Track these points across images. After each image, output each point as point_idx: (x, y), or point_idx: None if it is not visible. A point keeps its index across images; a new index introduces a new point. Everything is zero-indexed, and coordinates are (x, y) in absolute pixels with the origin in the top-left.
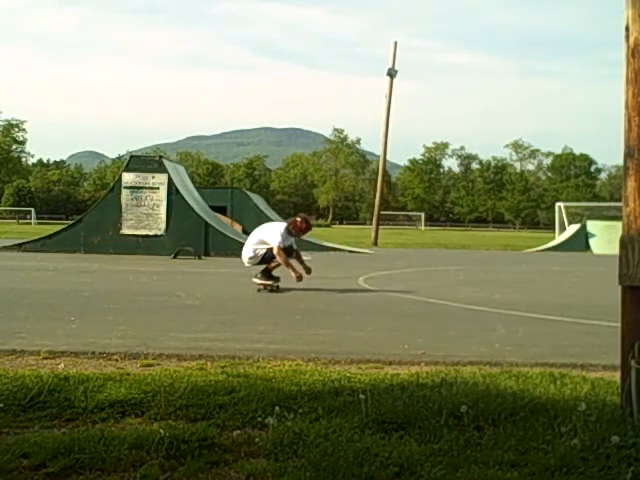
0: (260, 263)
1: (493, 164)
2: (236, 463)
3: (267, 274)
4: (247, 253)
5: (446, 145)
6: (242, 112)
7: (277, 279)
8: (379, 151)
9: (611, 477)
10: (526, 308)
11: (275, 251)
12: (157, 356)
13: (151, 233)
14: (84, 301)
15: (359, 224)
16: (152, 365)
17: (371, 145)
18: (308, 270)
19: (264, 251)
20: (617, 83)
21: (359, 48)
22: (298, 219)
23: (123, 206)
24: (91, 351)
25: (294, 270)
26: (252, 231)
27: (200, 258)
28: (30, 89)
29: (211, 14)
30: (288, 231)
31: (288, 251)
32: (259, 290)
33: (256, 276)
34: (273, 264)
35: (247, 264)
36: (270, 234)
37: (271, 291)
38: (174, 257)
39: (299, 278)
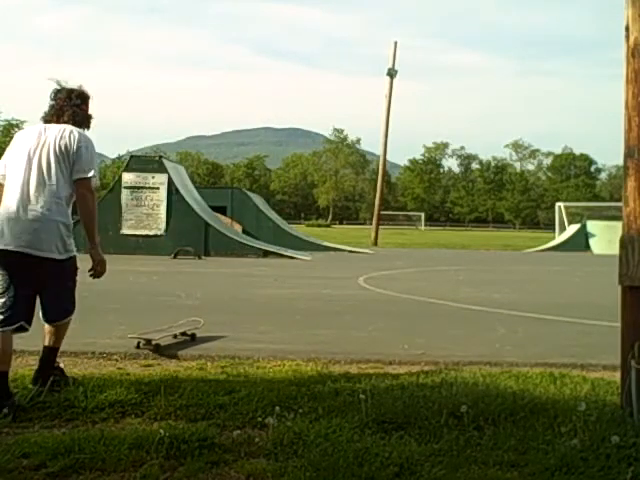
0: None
1: (493, 164)
2: (236, 463)
3: (46, 362)
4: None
5: (446, 145)
6: (242, 112)
7: (57, 369)
8: (379, 151)
9: (611, 477)
10: (526, 308)
11: (87, 187)
12: (157, 356)
13: (151, 233)
14: (84, 301)
15: (359, 224)
16: (152, 365)
17: (371, 145)
18: None
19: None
20: (617, 83)
21: (359, 48)
22: (78, 101)
23: (123, 206)
24: (91, 351)
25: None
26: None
27: (200, 258)
28: (30, 89)
29: (211, 14)
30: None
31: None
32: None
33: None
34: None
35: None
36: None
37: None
38: (174, 257)
39: None
